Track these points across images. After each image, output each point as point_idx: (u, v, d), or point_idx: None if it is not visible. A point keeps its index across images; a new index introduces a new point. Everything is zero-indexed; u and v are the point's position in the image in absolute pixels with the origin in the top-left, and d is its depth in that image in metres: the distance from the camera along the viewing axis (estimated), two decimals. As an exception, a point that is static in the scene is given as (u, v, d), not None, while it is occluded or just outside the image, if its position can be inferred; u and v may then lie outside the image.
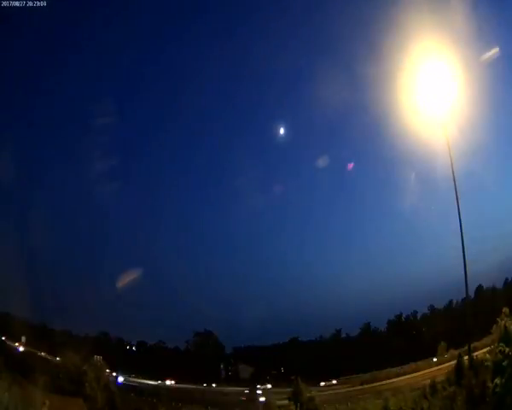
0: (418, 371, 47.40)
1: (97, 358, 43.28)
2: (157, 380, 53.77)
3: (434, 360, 47.63)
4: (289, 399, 37.87)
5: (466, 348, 41.69)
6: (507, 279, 45.15)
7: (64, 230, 51.07)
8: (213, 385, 58.40)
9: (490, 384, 29.32)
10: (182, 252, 51.85)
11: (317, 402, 37.94)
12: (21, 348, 46.97)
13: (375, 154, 44.24)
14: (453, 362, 38.24)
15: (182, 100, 50.98)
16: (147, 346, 62.67)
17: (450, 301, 50.04)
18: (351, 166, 48.82)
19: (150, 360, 58.21)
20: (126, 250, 52.56)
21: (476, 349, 40.28)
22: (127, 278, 46.06)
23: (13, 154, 45.26)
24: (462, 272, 42.24)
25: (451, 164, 40.76)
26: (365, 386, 51.16)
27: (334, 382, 56.28)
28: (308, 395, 37.89)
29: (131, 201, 51.37)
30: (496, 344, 29.37)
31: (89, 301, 48.17)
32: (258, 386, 50.16)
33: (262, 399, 46.66)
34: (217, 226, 56.60)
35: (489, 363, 30.20)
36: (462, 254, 41.48)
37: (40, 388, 33.52)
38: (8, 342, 45.42)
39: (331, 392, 48.64)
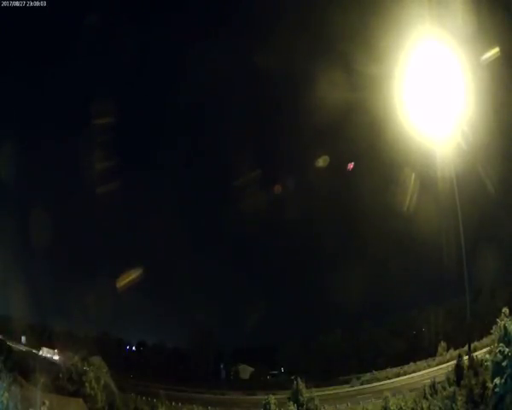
0: (418, 371, 47.38)
1: (97, 358, 43.24)
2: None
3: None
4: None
5: (466, 348, 41.85)
6: (507, 280, 45.16)
7: (64, 229, 50.86)
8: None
9: (490, 384, 29.37)
10: (182, 251, 51.68)
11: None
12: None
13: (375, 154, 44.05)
14: (453, 362, 38.33)
15: (181, 99, 50.86)
16: (147, 346, 62.59)
17: (451, 302, 49.95)
18: (351, 166, 48.51)
19: (150, 359, 58.18)
20: (126, 250, 52.44)
21: (476, 349, 40.34)
22: (127, 278, 46.00)
23: (12, 153, 45.23)
24: (463, 272, 42.49)
25: (451, 164, 41.01)
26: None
27: None
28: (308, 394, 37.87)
29: (132, 200, 51.23)
30: (496, 344, 29.41)
31: (89, 301, 48.02)
32: None
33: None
34: (217, 226, 56.40)
35: (489, 363, 30.26)
36: (462, 254, 41.78)
37: (40, 388, 33.58)
38: (8, 342, 45.34)
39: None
